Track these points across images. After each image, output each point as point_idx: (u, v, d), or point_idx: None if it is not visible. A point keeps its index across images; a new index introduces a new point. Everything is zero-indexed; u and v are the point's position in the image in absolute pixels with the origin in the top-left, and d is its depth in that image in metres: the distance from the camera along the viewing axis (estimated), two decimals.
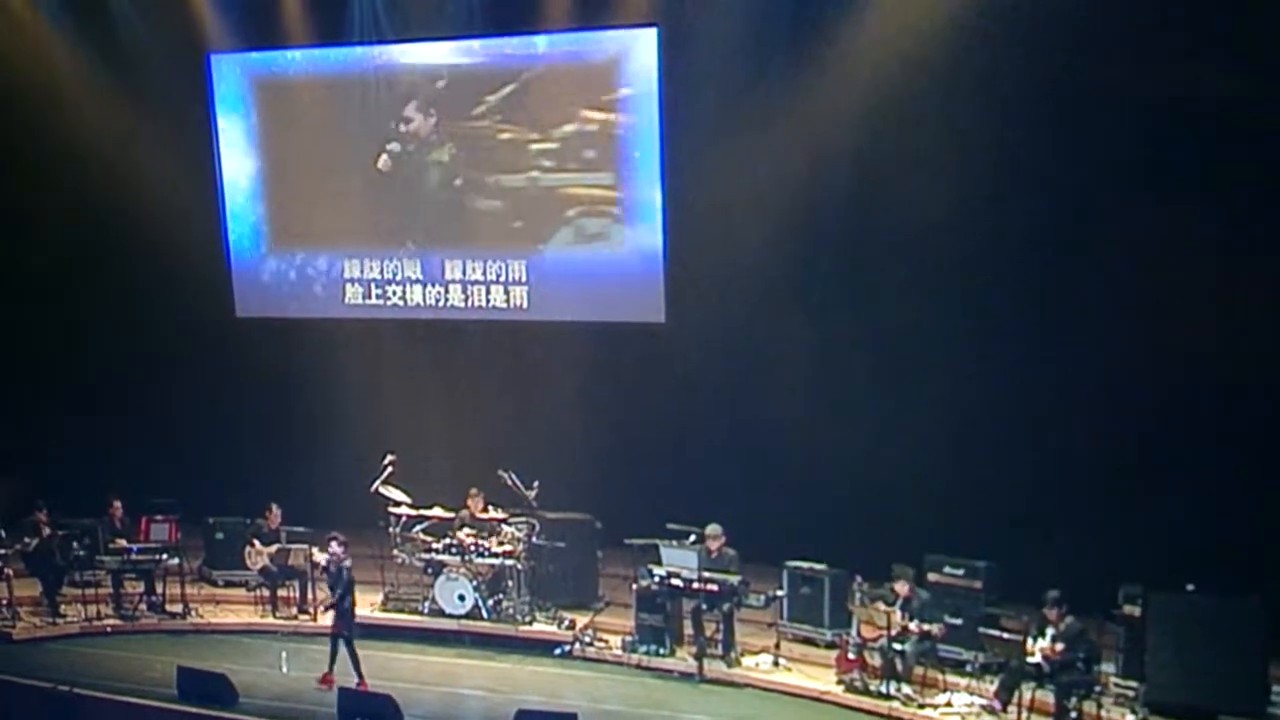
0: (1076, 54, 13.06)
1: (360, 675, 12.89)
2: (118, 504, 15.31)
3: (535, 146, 16.06)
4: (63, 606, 15.06)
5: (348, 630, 13.15)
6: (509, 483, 14.50)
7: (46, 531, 15.00)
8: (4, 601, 14.93)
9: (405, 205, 16.84)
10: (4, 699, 12.61)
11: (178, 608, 15.09)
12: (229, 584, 15.84)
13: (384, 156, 16.71)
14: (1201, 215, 12.68)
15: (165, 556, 15.07)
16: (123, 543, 15.04)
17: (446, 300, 16.72)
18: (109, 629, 14.84)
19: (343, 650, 13.01)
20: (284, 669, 13.55)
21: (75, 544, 15.00)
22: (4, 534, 15.07)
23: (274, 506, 15.18)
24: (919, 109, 13.82)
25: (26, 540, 15.06)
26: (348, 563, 13.39)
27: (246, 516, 15.50)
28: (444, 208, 16.68)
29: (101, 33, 16.74)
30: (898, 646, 12.48)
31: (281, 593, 15.10)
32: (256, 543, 15.07)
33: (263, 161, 17.28)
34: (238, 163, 17.30)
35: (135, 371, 17.39)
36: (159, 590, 15.21)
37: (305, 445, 16.68)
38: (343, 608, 13.23)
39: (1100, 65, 13.01)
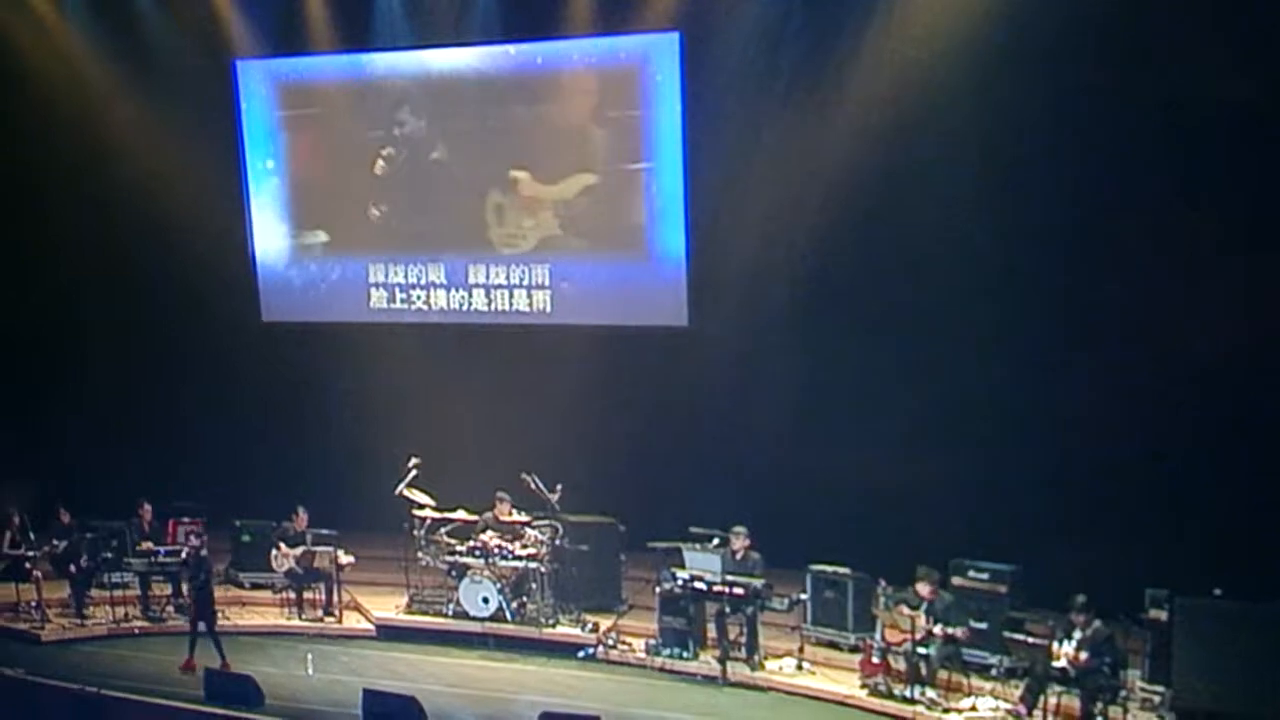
0: (1099, 58, 13.00)
1: (220, 658, 13.70)
2: (146, 507, 15.44)
3: (557, 152, 16.10)
4: (90, 608, 15.19)
5: (206, 616, 13.90)
6: (532, 486, 14.57)
7: (75, 534, 15.16)
8: (33, 603, 15.06)
9: (428, 211, 16.89)
10: (33, 700, 12.72)
11: None
12: (255, 586, 15.96)
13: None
14: (1226, 216, 12.63)
15: None
16: (150, 545, 15.14)
17: (470, 304, 16.79)
18: (136, 630, 14.97)
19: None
20: (309, 671, 13.69)
21: (103, 547, 15.10)
22: (33, 537, 15.19)
23: (301, 509, 15.26)
24: (941, 114, 13.78)
25: (55, 543, 15.21)
26: (204, 551, 14.19)
27: (273, 519, 15.60)
28: (466, 214, 16.71)
29: (128, 39, 16.81)
30: (922, 650, 12.46)
31: (307, 595, 15.21)
32: (282, 545, 15.16)
33: (288, 167, 17.37)
34: (263, 168, 17.39)
35: (163, 376, 17.48)
36: (186, 592, 15.27)
37: (331, 449, 16.80)
38: (203, 595, 13.81)
39: (1122, 69, 12.93)
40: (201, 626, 13.96)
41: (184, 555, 14.41)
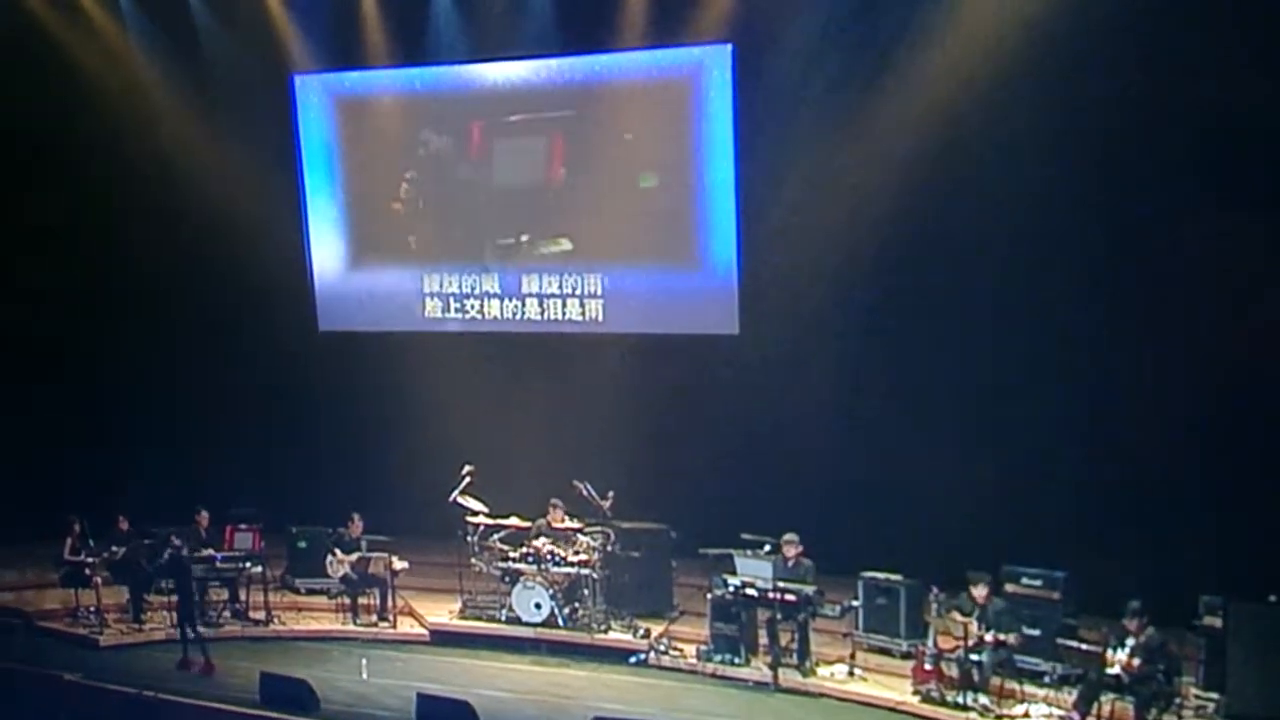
0: (1157, 70, 12.93)
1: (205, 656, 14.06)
2: (204, 514, 15.62)
3: (610, 163, 16.22)
4: (148, 614, 15.39)
5: (189, 617, 14.30)
6: (584, 493, 14.64)
7: (133, 541, 15.35)
8: (92, 609, 15.29)
9: (482, 222, 17.06)
10: (91, 703, 12.88)
11: (260, 615, 15.36)
12: (311, 591, 16.13)
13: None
14: (1267, 224, 12.54)
15: (248, 565, 15.39)
16: (208, 551, 15.32)
17: (524, 314, 16.91)
18: (194, 635, 15.09)
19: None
20: (364, 675, 13.79)
21: (161, 553, 15.27)
22: (93, 543, 15.41)
23: (356, 516, 15.42)
24: (993, 127, 13.74)
25: (114, 549, 15.39)
26: (185, 552, 14.52)
27: (328, 526, 15.77)
28: (519, 223, 16.87)
29: (188, 54, 17.11)
30: (975, 657, 12.41)
31: (362, 600, 15.34)
32: (338, 551, 15.33)
33: (344, 178, 17.58)
34: (320, 180, 17.63)
35: (222, 385, 17.66)
36: (242, 597, 15.53)
37: (386, 456, 16.91)
38: (185, 596, 14.31)
39: (1175, 80, 12.86)
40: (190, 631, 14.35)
41: (165, 557, 14.59)
